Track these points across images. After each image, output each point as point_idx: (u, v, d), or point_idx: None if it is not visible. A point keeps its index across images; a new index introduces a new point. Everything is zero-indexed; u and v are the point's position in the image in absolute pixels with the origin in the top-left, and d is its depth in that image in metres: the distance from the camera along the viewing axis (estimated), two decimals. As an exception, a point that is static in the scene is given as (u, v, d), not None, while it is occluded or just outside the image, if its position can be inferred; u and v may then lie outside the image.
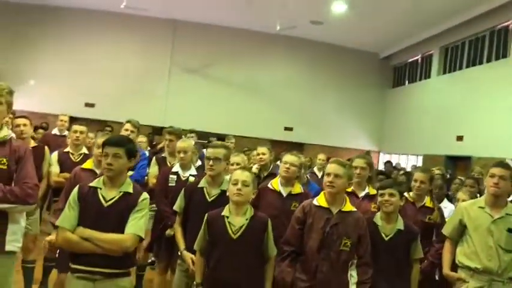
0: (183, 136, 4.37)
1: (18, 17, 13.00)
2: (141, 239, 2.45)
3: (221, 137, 12.42)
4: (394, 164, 10.67)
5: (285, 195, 3.40)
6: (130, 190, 2.48)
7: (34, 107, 11.31)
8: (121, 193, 2.45)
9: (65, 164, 4.17)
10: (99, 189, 2.44)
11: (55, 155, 4.28)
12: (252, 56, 13.83)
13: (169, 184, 3.77)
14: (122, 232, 2.37)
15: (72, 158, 4.27)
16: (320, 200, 2.81)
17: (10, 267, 2.50)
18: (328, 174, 2.79)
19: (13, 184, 2.36)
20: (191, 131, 7.16)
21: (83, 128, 4.40)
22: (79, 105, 12.52)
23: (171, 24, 13.47)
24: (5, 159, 2.38)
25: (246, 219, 2.63)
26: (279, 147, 10.94)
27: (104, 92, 12.86)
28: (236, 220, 2.62)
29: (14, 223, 2.43)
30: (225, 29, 13.42)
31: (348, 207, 2.82)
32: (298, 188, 3.47)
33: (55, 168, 4.18)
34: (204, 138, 11.31)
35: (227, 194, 2.72)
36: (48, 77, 12.84)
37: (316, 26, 12.13)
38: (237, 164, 3.65)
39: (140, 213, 2.43)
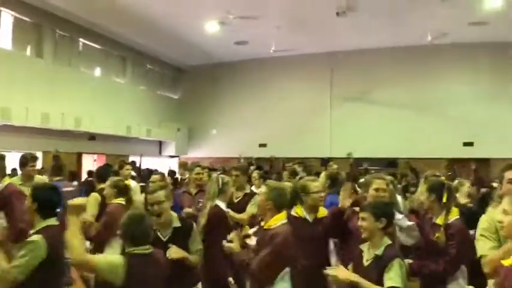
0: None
1: (198, 78, 15.39)
2: None
3: (393, 162, 12.05)
4: None
5: None
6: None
7: (216, 153, 12.97)
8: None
9: None
10: None
11: None
12: (412, 73, 13.01)
13: None
14: None
15: None
16: None
17: None
18: None
19: None
20: None
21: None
22: (254, 146, 13.85)
23: (326, 57, 13.80)
24: None
25: None
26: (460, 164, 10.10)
27: (274, 132, 13.95)
28: None
29: None
30: (378, 51, 13.00)
31: None
32: None
33: None
34: (376, 164, 11.06)
35: None
36: (226, 126, 14.75)
37: (475, 26, 10.69)
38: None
39: None
